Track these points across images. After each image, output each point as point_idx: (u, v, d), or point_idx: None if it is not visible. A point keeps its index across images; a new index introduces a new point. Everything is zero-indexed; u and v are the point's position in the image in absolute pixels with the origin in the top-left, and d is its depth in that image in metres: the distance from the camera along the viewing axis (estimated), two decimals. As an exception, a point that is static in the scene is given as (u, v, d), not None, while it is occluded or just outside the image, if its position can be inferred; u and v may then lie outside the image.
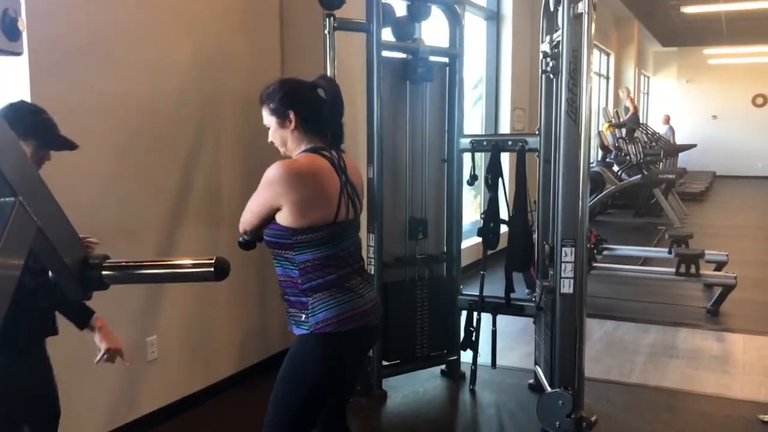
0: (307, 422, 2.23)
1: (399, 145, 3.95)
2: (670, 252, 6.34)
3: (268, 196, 2.12)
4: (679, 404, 3.90)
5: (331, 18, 3.59)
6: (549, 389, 3.42)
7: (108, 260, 1.30)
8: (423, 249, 4.08)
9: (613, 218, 10.95)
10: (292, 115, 2.21)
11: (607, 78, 15.68)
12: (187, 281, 1.33)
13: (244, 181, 4.05)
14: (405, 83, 3.96)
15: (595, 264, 6.09)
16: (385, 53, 3.81)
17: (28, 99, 2.81)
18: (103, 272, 1.30)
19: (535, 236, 4.03)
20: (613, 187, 10.19)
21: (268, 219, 2.15)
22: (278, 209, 2.11)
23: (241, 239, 2.27)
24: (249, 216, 2.20)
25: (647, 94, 20.97)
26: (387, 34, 3.86)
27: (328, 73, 3.58)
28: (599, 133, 11.22)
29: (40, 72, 2.83)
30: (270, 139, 2.31)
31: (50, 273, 1.29)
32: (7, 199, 1.09)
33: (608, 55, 15.50)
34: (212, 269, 1.25)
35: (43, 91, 2.85)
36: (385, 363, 3.98)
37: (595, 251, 6.42)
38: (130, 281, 1.36)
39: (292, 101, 2.23)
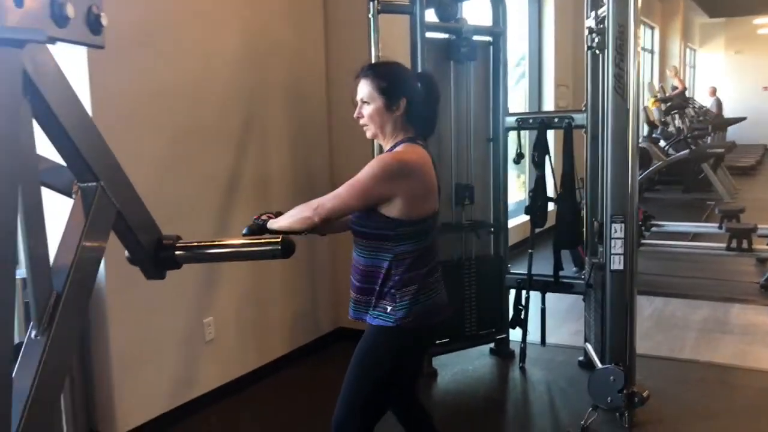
0: (383, 405, 2.28)
1: (443, 125, 3.96)
2: (720, 227, 6.23)
3: (384, 188, 2.08)
4: (733, 380, 3.87)
5: (375, 1, 3.62)
6: (600, 365, 3.43)
7: (180, 241, 1.37)
8: (470, 216, 4.08)
9: (661, 194, 10.78)
10: (403, 102, 2.17)
11: (652, 52, 15.35)
12: (255, 259, 1.39)
13: (291, 167, 4.13)
14: (449, 63, 3.97)
15: (643, 241, 6.02)
16: (429, 34, 3.82)
17: (87, 87, 2.92)
18: (176, 252, 1.37)
19: (583, 213, 4.01)
20: (660, 162, 10.01)
21: (367, 209, 2.12)
22: (389, 200, 2.08)
23: (256, 224, 2.20)
24: (341, 203, 2.11)
25: (693, 67, 20.46)
26: (430, 15, 3.87)
27: (373, 56, 3.61)
28: (645, 109, 11.02)
29: (99, 62, 2.93)
30: (358, 115, 2.23)
31: (127, 253, 1.36)
32: (90, 184, 1.16)
33: (652, 28, 15.17)
34: (279, 247, 1.31)
35: (100, 80, 2.95)
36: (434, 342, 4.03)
37: (643, 228, 6.35)
38: (201, 260, 1.43)
39: (406, 87, 2.20)
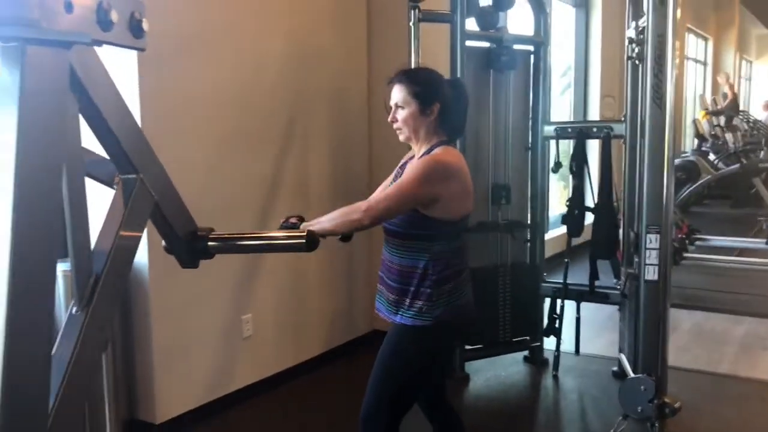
0: (410, 403, 2.33)
1: (481, 132, 4.01)
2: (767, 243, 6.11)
3: (432, 190, 2.14)
4: (772, 396, 3.81)
5: (416, 10, 3.69)
6: (632, 375, 3.42)
7: (213, 232, 1.46)
8: (506, 215, 4.11)
9: (709, 209, 10.55)
10: (436, 107, 2.23)
11: (705, 64, 15.05)
12: (281, 251, 1.48)
13: (331, 170, 4.23)
14: (488, 71, 4.01)
15: (686, 254, 5.94)
16: (469, 42, 3.88)
17: (136, 91, 3.07)
18: (209, 243, 1.46)
19: (620, 224, 4.01)
20: (708, 177, 9.82)
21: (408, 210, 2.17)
22: (433, 202, 2.14)
23: (285, 227, 2.19)
24: (392, 205, 2.15)
25: (749, 79, 19.96)
26: (471, 24, 3.93)
27: (412, 63, 3.69)
28: (695, 121, 10.84)
29: (148, 66, 3.07)
30: (392, 119, 2.29)
31: (163, 243, 1.46)
32: (130, 176, 1.26)
33: (706, 40, 14.88)
34: (303, 241, 1.39)
35: (149, 84, 3.10)
36: (467, 347, 4.07)
37: (687, 241, 6.27)
38: (232, 251, 1.52)
39: (440, 92, 2.26)
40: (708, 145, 10.78)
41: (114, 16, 1.02)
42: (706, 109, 11.40)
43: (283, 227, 2.13)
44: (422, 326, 2.19)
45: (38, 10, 0.91)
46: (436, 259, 2.19)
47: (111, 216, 1.22)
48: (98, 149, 1.27)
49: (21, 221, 0.89)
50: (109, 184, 1.30)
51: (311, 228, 2.04)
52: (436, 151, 2.23)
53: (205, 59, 3.39)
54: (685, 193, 9.95)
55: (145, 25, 1.10)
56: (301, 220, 2.17)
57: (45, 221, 0.95)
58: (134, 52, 3.00)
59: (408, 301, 2.21)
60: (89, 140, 1.22)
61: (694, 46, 13.97)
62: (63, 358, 1.06)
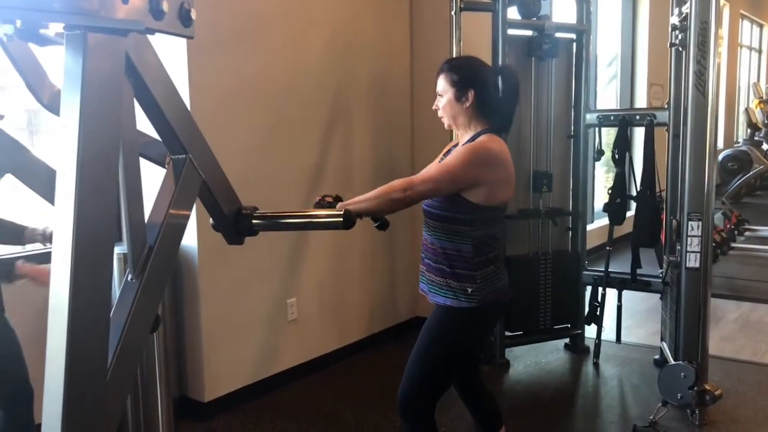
0: (448, 382, 2.40)
1: (523, 120, 4.02)
2: (819, 234, 5.97)
3: (474, 174, 2.18)
4: (818, 387, 3.75)
5: (458, -1, 3.73)
6: (672, 362, 3.42)
7: (257, 211, 1.55)
8: (548, 203, 4.13)
9: (761, 200, 10.31)
10: (471, 93, 2.27)
11: (759, 51, 14.63)
12: (320, 229, 1.56)
13: (373, 157, 4.30)
14: (530, 60, 4.03)
15: (733, 244, 5.85)
16: (511, 31, 3.90)
17: (186, 80, 3.19)
18: (253, 220, 1.55)
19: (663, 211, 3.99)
20: (761, 167, 9.60)
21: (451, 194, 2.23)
22: (475, 186, 2.18)
23: (320, 206, 2.13)
24: (433, 186, 2.19)
25: (807, 67, 19.29)
26: (513, 12, 3.95)
27: (454, 52, 3.73)
28: (747, 110, 10.57)
29: (197, 56, 3.19)
30: (436, 107, 2.35)
31: (211, 221, 1.55)
32: (180, 156, 1.35)
33: (761, 26, 14.45)
34: (341, 219, 1.47)
35: (198, 74, 3.22)
36: (507, 333, 4.11)
37: (736, 232, 6.17)
38: (274, 228, 1.60)
39: (474, 80, 2.28)
40: (761, 134, 10.51)
41: (165, 6, 1.11)
42: (761, 97, 11.11)
43: (317, 205, 2.10)
44: (466, 308, 2.25)
45: (98, 1, 1.00)
46: (477, 242, 2.24)
47: (163, 193, 1.32)
48: (150, 131, 1.37)
49: (83, 195, 0.98)
50: (161, 164, 1.40)
51: (348, 207, 2.06)
52: (481, 138, 2.28)
53: (252, 49, 3.50)
54: (736, 184, 9.74)
55: (193, 15, 1.19)
56: (338, 199, 2.17)
57: (104, 196, 1.05)
58: (184, 41, 3.13)
59: (451, 282, 2.26)
60: (142, 123, 1.32)
61: (748, 32, 13.59)
62: (119, 321, 1.16)
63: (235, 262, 3.46)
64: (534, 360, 4.15)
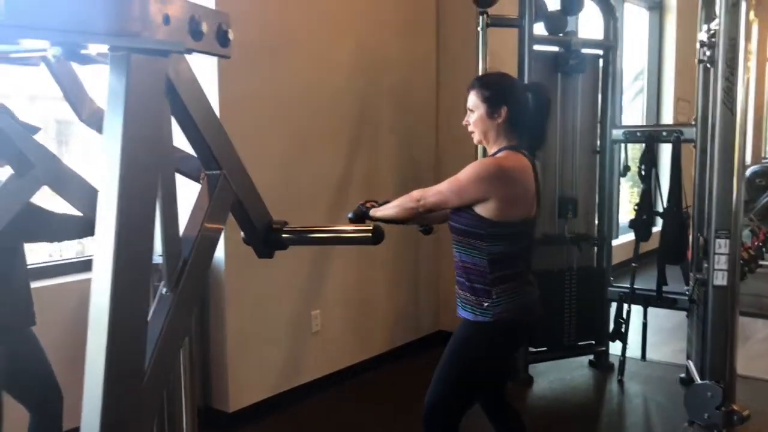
0: (470, 398, 2.40)
1: (549, 137, 4.00)
2: None
3: (479, 189, 2.20)
4: None
5: (485, 15, 3.76)
6: (699, 381, 3.38)
7: (287, 225, 1.58)
8: (573, 228, 4.13)
9: (791, 217, 10.15)
10: (503, 110, 2.28)
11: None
12: (349, 244, 1.57)
13: (398, 169, 4.33)
14: (556, 75, 4.03)
15: (762, 262, 5.77)
16: (537, 47, 3.91)
17: (216, 93, 3.24)
18: (283, 235, 1.57)
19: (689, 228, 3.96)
20: (791, 183, 9.45)
21: (463, 207, 2.26)
22: (483, 201, 2.20)
23: (360, 209, 2.47)
24: (443, 198, 2.27)
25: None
26: (539, 28, 3.96)
27: (480, 68, 3.75)
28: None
29: (227, 71, 3.24)
30: (466, 122, 2.37)
31: (242, 234, 1.58)
32: (215, 172, 1.39)
33: (790, 41, 14.27)
34: (370, 234, 1.49)
35: (228, 89, 3.27)
36: (531, 349, 4.10)
37: (764, 249, 6.09)
38: (304, 243, 1.62)
39: (507, 96, 2.30)
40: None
41: (204, 26, 1.14)
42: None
43: (356, 212, 2.44)
44: (483, 322, 2.26)
45: (140, 22, 1.04)
46: (494, 258, 2.24)
47: (197, 208, 1.35)
48: (185, 146, 1.40)
49: (125, 209, 1.01)
50: (196, 179, 1.43)
51: (377, 213, 2.37)
52: (499, 153, 2.30)
53: (280, 64, 3.55)
54: (764, 200, 9.60)
55: (230, 35, 1.22)
56: (374, 205, 2.43)
57: (144, 210, 1.08)
58: (215, 58, 3.19)
59: (469, 296, 2.29)
60: (177, 138, 1.35)
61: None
62: (154, 333, 1.19)
63: (261, 273, 3.49)
64: (558, 376, 4.13)
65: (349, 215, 2.49)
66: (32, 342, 2.46)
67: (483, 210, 2.21)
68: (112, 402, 0.99)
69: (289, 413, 3.62)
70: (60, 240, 2.65)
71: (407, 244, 4.31)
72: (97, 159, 1.01)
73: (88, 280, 2.44)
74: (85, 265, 3.27)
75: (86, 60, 1.20)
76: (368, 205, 2.49)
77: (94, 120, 1.53)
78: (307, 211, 3.66)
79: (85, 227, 2.35)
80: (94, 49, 1.20)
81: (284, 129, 3.60)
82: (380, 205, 2.47)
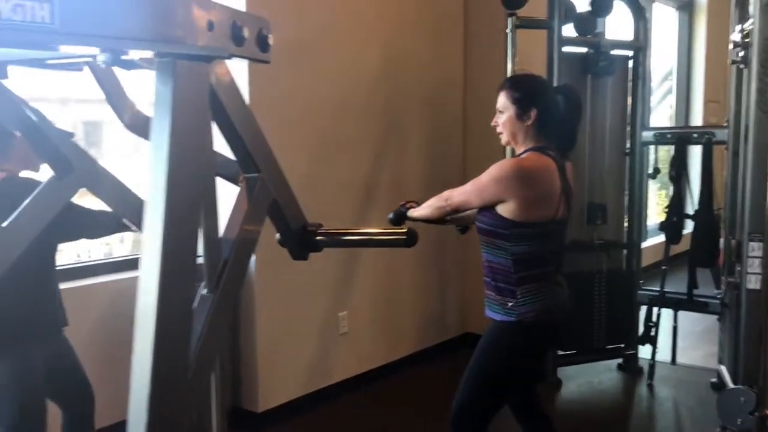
0: (499, 401, 2.39)
1: (578, 137, 3.98)
2: None
3: (497, 189, 2.21)
4: None
5: (513, 17, 3.75)
6: (732, 386, 3.34)
7: (321, 228, 1.59)
8: (602, 235, 4.10)
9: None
10: (533, 112, 2.27)
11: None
12: (383, 246, 1.59)
13: (425, 173, 4.33)
14: (586, 77, 4.01)
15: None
16: (566, 48, 3.89)
17: (246, 96, 3.27)
18: (317, 237, 1.59)
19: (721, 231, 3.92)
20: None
21: (485, 207, 2.28)
22: (503, 202, 2.21)
23: (400, 210, 2.56)
24: (465, 198, 2.32)
25: None
26: (568, 30, 3.94)
27: (509, 70, 3.74)
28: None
29: (257, 77, 3.27)
30: (495, 124, 2.38)
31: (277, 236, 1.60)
32: (253, 175, 1.41)
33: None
34: (404, 237, 1.50)
35: (258, 93, 3.30)
36: (560, 352, 4.07)
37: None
38: (338, 245, 1.64)
39: (537, 98, 2.29)
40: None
41: (246, 32, 1.16)
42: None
43: (396, 212, 2.56)
44: (508, 322, 2.26)
45: (183, 29, 1.06)
46: (518, 258, 2.24)
47: (236, 210, 1.37)
48: (224, 150, 1.43)
49: (172, 211, 1.03)
50: (234, 182, 1.45)
51: (414, 214, 2.49)
52: (523, 155, 2.30)
53: (308, 68, 3.57)
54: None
55: (270, 40, 1.24)
56: (414, 206, 2.53)
57: (190, 212, 1.10)
58: (245, 62, 3.22)
59: (497, 296, 2.29)
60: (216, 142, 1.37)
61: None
62: (194, 334, 1.21)
63: (290, 275, 3.52)
64: (586, 380, 4.10)
65: (389, 216, 2.55)
66: (65, 342, 2.51)
67: (504, 211, 2.22)
68: (157, 397, 1.01)
69: (316, 414, 3.64)
70: (92, 237, 2.71)
71: (434, 246, 4.31)
72: (145, 163, 1.04)
73: (116, 282, 2.52)
74: (114, 266, 3.31)
75: (129, 65, 1.23)
76: (408, 205, 2.55)
77: (136, 123, 1.57)
78: (333, 213, 3.68)
79: (117, 223, 2.41)
80: (136, 54, 1.23)
81: (311, 132, 3.63)
82: (418, 205, 2.52)
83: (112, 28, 0.92)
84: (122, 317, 3.16)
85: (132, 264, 3.28)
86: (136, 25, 0.96)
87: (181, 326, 1.06)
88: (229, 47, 1.15)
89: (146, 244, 1.01)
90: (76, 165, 1.80)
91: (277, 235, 1.59)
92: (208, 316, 1.23)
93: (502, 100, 2.34)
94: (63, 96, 3.23)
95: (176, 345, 1.05)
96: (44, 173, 2.39)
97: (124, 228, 2.46)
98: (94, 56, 0.97)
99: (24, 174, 2.34)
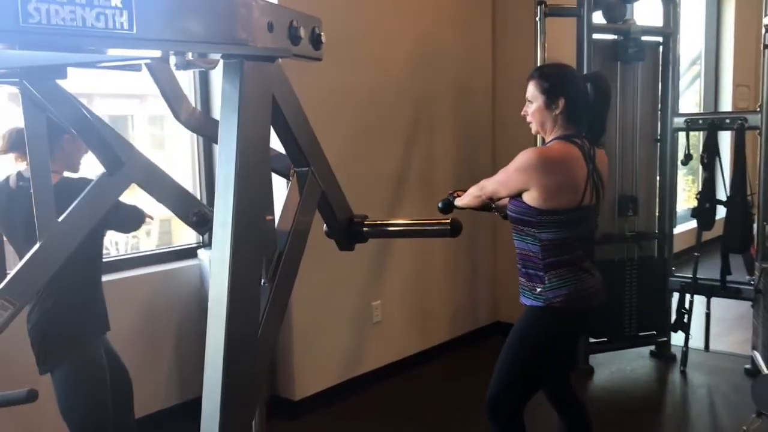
0: (532, 387, 2.43)
1: (609, 126, 3.99)
2: None
3: (520, 179, 2.26)
4: None
5: (543, 5, 3.75)
6: (766, 372, 3.34)
7: (367, 219, 1.64)
8: (633, 227, 4.11)
9: None
10: (561, 101, 2.30)
11: None
12: (428, 236, 1.63)
13: (455, 163, 4.36)
14: (616, 64, 4.01)
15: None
16: (596, 35, 3.89)
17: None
18: (364, 228, 1.63)
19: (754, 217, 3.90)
20: None
21: (514, 195, 2.33)
22: (527, 190, 2.25)
23: (448, 199, 2.60)
24: (495, 187, 2.39)
25: None
26: (597, 17, 3.94)
27: (538, 58, 3.75)
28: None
29: (292, 70, 3.31)
30: (524, 113, 2.41)
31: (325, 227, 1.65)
32: (303, 169, 1.45)
33: None
34: (448, 227, 1.53)
35: (293, 84, 3.34)
36: (592, 340, 4.09)
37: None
38: (383, 236, 1.68)
39: (565, 88, 2.32)
40: None
41: (302, 32, 1.20)
42: None
43: (445, 201, 2.61)
44: (537, 307, 2.31)
45: (249, 31, 1.11)
46: (546, 245, 2.27)
47: (289, 203, 1.42)
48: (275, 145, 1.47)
49: (240, 204, 1.08)
50: (286, 176, 1.50)
51: (459, 202, 2.57)
52: (549, 144, 2.33)
53: (340, 62, 3.61)
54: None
55: (323, 38, 1.28)
56: (461, 194, 2.59)
57: (257, 205, 1.15)
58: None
59: (528, 283, 2.34)
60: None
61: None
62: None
63: (324, 264, 3.56)
64: (618, 367, 4.12)
65: (439, 204, 2.61)
66: (107, 346, 2.58)
67: (529, 198, 2.26)
68: (230, 382, 1.06)
69: (351, 402, 3.71)
70: (124, 231, 2.78)
71: (465, 236, 4.30)
72: (218, 160, 1.09)
73: (145, 275, 2.60)
74: (144, 260, 3.37)
75: (189, 66, 1.28)
76: (456, 194, 2.60)
77: (192, 121, 1.62)
78: (368, 203, 3.71)
79: (142, 217, 2.49)
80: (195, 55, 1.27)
81: (343, 126, 3.67)
82: (458, 194, 2.59)
83: (185, 33, 0.96)
84: (154, 312, 3.26)
85: (161, 257, 3.37)
86: (205, 29, 1.00)
87: (251, 318, 1.12)
88: (287, 46, 1.19)
89: (217, 237, 1.06)
90: (126, 160, 1.86)
91: (324, 227, 1.63)
92: (265, 305, 1.28)
93: (531, 90, 2.37)
94: (88, 91, 3.30)
95: (246, 337, 1.11)
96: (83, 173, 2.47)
97: (145, 221, 2.56)
98: (155, 58, 1.02)
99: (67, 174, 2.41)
